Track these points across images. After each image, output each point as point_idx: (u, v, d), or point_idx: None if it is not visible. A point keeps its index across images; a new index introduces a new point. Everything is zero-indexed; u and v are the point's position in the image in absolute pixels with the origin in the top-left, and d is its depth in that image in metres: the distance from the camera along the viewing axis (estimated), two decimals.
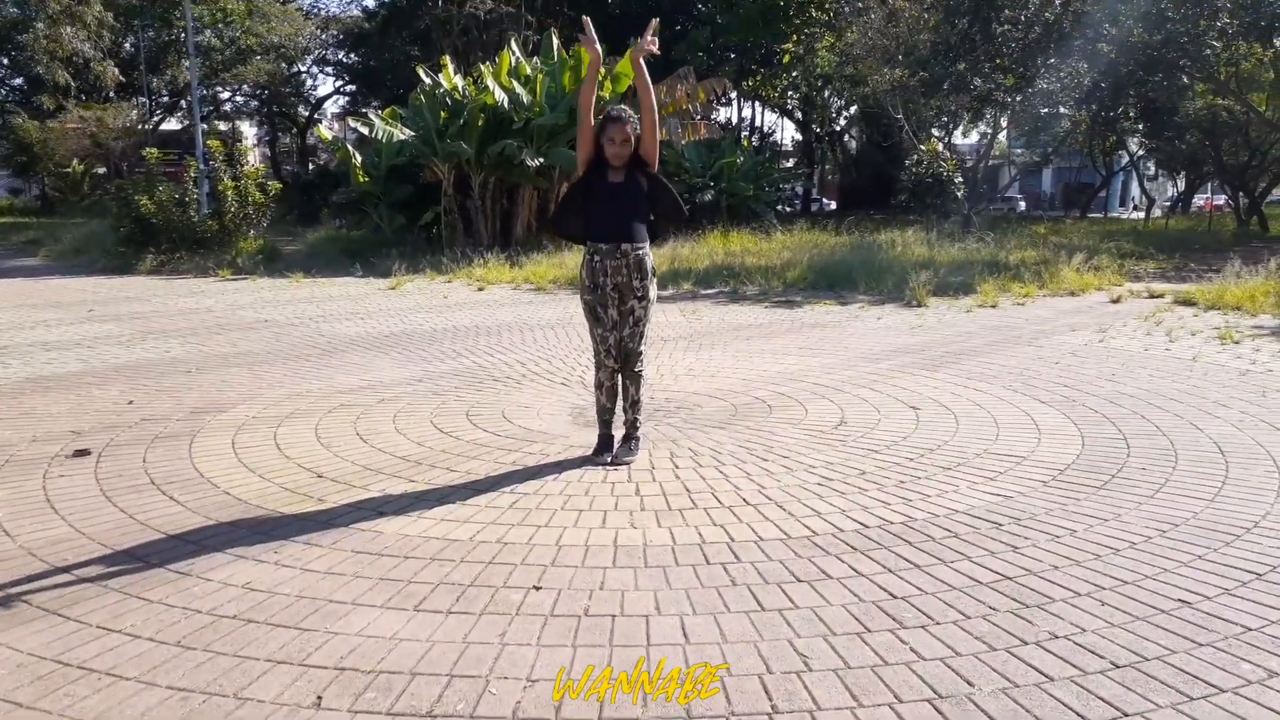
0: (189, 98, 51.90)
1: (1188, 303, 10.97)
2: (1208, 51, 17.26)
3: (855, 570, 3.34)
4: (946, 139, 23.12)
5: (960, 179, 19.64)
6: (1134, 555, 3.47)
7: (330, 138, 20.13)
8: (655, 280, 4.69)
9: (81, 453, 4.96)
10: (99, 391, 6.52)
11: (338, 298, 12.53)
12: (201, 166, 17.95)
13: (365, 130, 18.65)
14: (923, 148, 19.91)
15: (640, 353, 4.67)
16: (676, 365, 7.41)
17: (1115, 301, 11.38)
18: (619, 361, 4.68)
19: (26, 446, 5.11)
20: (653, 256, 4.66)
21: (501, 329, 9.51)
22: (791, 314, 10.61)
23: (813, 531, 3.72)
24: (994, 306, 10.98)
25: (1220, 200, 48.88)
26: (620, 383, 4.76)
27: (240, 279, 15.22)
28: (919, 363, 7.40)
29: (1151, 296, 11.78)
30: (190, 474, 4.59)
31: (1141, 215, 41.19)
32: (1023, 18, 16.58)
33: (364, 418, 5.68)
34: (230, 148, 18.08)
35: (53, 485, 4.43)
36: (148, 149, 17.35)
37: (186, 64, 48.71)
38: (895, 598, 3.12)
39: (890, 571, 3.33)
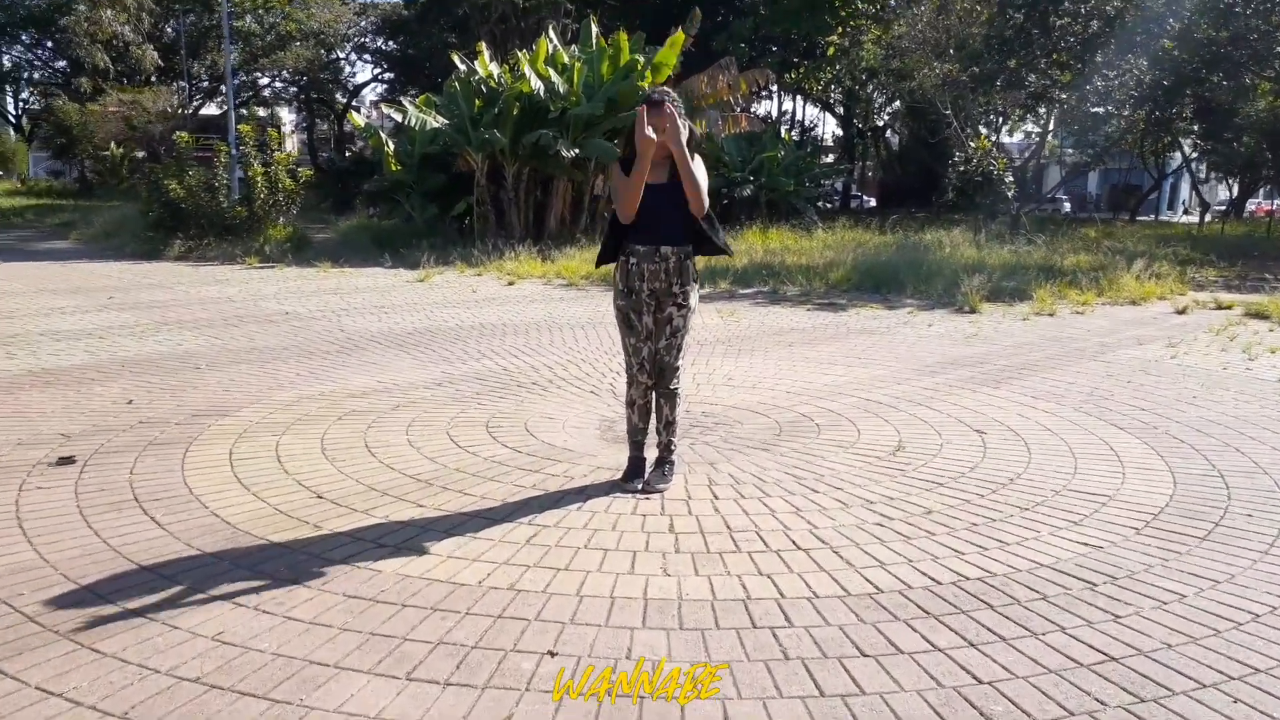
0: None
1: (1260, 315, 10.27)
2: (1279, 49, 16.40)
3: (929, 642, 2.82)
4: (994, 137, 22.31)
5: (1010, 178, 18.88)
6: (1260, 632, 2.93)
7: (364, 124, 19.77)
8: (697, 286, 4.19)
9: (66, 460, 4.55)
10: (100, 389, 6.13)
11: (364, 290, 12.14)
12: (233, 152, 17.66)
13: (399, 117, 18.27)
14: (973, 145, 19.18)
15: (677, 367, 4.17)
16: (715, 373, 6.90)
17: (1180, 313, 10.70)
18: (653, 376, 4.18)
19: (10, 451, 4.71)
20: (695, 261, 4.16)
21: (529, 327, 9.05)
22: (836, 318, 10.05)
23: (876, 588, 3.20)
24: (1051, 315, 10.35)
25: (1273, 205, 47.43)
26: (654, 400, 4.26)
27: (267, 267, 14.90)
28: (978, 377, 6.83)
29: (1219, 308, 11.09)
30: (179, 490, 4.16)
31: (1193, 219, 40.06)
32: (1083, 10, 15.80)
33: (375, 427, 5.23)
34: (262, 133, 17.75)
35: (27, 499, 4.02)
36: (179, 133, 17.06)
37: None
38: (980, 682, 2.60)
39: (971, 645, 2.81)
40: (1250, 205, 41.75)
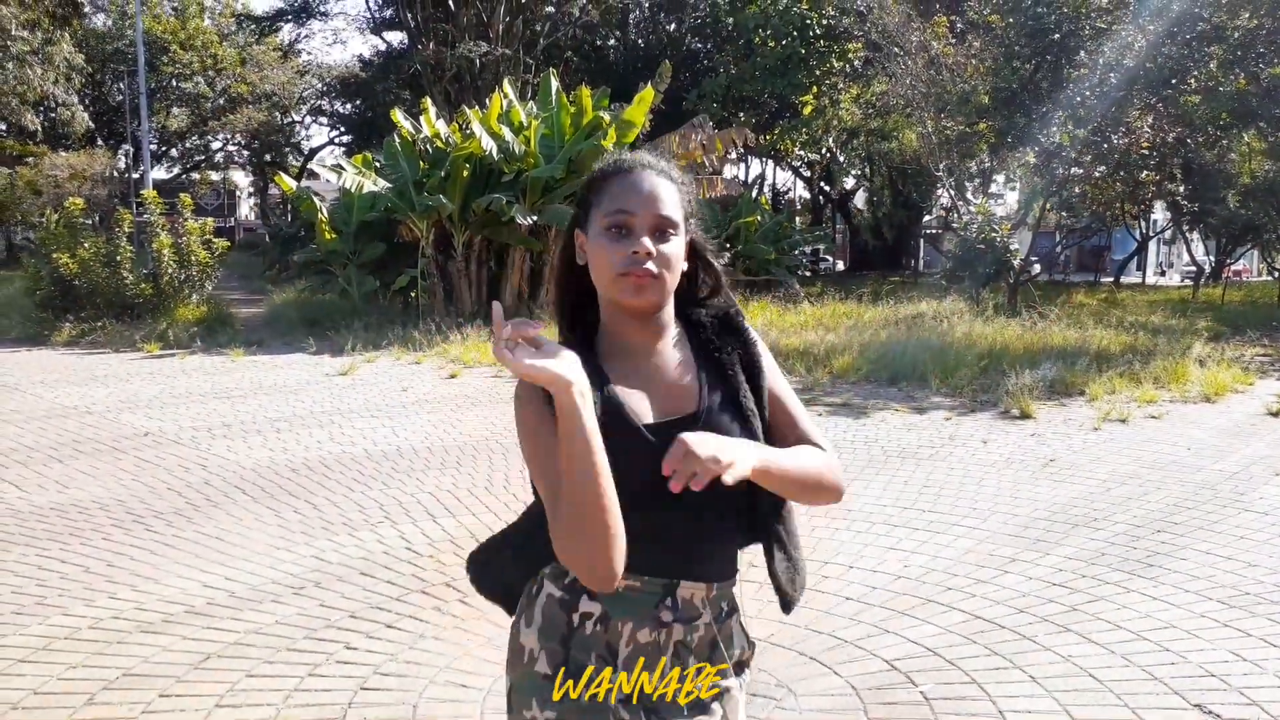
0: (180, 145, 50.24)
1: None
2: None
3: None
4: (989, 202, 20.74)
5: (1016, 245, 17.06)
6: None
7: (293, 188, 17.56)
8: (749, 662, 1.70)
9: None
10: None
11: (269, 389, 9.84)
12: (135, 218, 15.41)
13: (334, 179, 16.15)
14: (972, 210, 17.43)
15: None
16: None
17: (1275, 415, 8.67)
18: None
19: None
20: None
21: (463, 453, 6.79)
22: (860, 429, 7.89)
23: None
24: (1124, 421, 8.26)
25: (1239, 266, 46.35)
26: None
27: (167, 355, 12.55)
28: (1108, 551, 4.66)
29: None
30: None
31: (1169, 282, 38.92)
32: (1100, 62, 14.18)
33: None
34: (174, 197, 15.54)
35: None
36: (71, 198, 14.80)
37: (175, 110, 47.09)
38: None
39: None
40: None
